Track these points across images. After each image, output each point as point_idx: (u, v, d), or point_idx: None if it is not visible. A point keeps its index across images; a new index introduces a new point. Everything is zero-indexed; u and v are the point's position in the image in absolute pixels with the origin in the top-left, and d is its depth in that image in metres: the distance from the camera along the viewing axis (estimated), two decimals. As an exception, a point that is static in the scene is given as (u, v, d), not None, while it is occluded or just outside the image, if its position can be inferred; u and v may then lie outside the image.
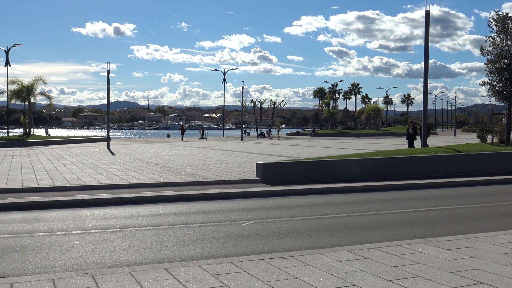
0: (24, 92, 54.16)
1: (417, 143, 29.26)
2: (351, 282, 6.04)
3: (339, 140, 57.49)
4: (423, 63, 24.94)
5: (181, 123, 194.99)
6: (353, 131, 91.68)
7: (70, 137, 62.25)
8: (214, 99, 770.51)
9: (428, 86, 25.19)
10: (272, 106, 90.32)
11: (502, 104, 29.65)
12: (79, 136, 68.36)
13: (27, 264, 7.34)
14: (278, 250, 8.16)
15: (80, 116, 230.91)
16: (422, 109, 27.01)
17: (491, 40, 27.49)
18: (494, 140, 28.16)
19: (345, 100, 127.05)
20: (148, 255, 7.92)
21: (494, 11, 28.27)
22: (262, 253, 7.86)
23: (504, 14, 27.34)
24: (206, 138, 60.82)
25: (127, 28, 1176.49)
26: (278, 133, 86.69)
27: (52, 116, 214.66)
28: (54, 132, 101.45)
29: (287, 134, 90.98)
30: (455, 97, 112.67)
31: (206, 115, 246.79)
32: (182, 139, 57.99)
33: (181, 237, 9.15)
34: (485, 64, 28.07)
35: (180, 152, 31.86)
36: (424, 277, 6.24)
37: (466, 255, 7.25)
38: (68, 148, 37.49)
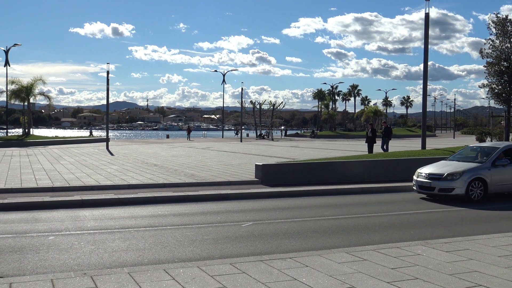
0: (24, 92, 54.14)
1: (377, 146, 27.53)
2: (349, 283, 6.05)
3: (338, 141, 57.52)
4: (422, 65, 24.97)
5: (180, 123, 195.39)
6: (352, 133, 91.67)
7: (69, 137, 62.22)
8: (213, 100, 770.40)
9: (427, 88, 25.16)
10: (271, 107, 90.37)
11: (501, 107, 29.74)
12: (78, 137, 68.36)
13: (26, 264, 7.34)
14: (277, 251, 8.17)
15: (79, 117, 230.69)
16: (421, 111, 27.01)
17: (491, 42, 27.57)
18: (493, 143, 28.21)
19: (344, 102, 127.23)
20: (147, 256, 7.92)
21: (494, 13, 28.31)
22: (261, 254, 7.87)
23: (504, 16, 27.41)
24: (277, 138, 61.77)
25: (125, 29, 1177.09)
26: (286, 133, 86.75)
27: (51, 117, 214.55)
28: (54, 132, 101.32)
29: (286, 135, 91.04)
30: (454, 99, 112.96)
31: (205, 116, 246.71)
32: (188, 139, 59.77)
33: (180, 238, 9.16)
34: (485, 66, 28.13)
35: (179, 153, 31.86)
36: (422, 279, 6.25)
37: (464, 257, 7.26)
38: (67, 149, 37.48)
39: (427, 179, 14.06)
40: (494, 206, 13.08)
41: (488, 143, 15.87)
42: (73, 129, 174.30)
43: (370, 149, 26.21)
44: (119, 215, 11.57)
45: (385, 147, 26.46)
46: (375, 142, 26.97)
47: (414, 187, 14.72)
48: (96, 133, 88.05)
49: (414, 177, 14.69)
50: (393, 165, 19.12)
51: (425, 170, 14.45)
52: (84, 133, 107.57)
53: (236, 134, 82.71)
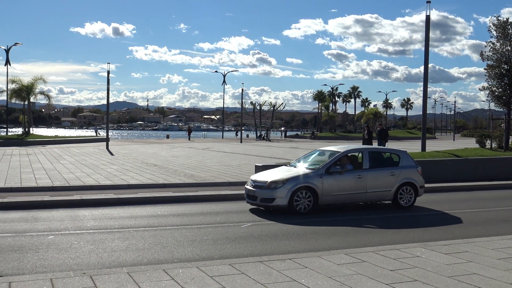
0: (24, 91, 54.09)
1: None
2: (349, 285, 6.05)
3: (338, 143, 57.49)
4: (422, 67, 24.98)
5: (180, 124, 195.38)
6: (352, 135, 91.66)
7: (69, 137, 62.18)
8: (213, 101, 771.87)
9: (428, 90, 25.17)
10: (271, 108, 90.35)
11: (501, 109, 29.71)
12: (78, 136, 68.33)
13: (25, 264, 7.34)
14: (276, 252, 8.17)
15: (79, 116, 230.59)
16: (421, 113, 27.02)
17: (491, 45, 27.52)
18: (493, 145, 28.20)
19: (344, 103, 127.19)
20: (147, 256, 7.93)
21: (494, 16, 28.29)
22: (260, 255, 7.88)
23: (505, 19, 27.39)
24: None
25: (126, 29, 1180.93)
26: (286, 135, 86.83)
27: (52, 116, 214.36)
28: (54, 132, 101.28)
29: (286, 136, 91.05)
30: (454, 101, 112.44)
31: (205, 116, 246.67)
32: (188, 139, 60.15)
33: (179, 238, 9.16)
34: (485, 69, 28.10)
35: (179, 153, 31.86)
36: (421, 281, 6.25)
37: (464, 260, 7.27)
38: (67, 148, 37.47)
39: (252, 187, 12.18)
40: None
41: (333, 147, 13.69)
42: (72, 128, 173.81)
43: None
44: (118, 215, 11.58)
45: None
46: (372, 145, 26.70)
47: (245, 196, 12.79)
48: (93, 133, 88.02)
49: (246, 185, 12.84)
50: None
51: (255, 176, 12.71)
52: (89, 132, 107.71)
53: (237, 135, 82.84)
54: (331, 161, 12.32)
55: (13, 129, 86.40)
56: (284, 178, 11.88)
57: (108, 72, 41.07)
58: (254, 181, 12.33)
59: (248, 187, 12.46)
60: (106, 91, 40.92)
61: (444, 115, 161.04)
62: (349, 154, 12.87)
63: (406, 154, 13.72)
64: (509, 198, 15.70)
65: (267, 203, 11.86)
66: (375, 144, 27.51)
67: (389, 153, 13.76)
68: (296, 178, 11.89)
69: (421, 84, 25.24)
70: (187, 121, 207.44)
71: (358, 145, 14.54)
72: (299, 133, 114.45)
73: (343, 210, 12.57)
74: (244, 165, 22.85)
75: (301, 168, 12.60)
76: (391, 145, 28.39)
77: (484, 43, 28.57)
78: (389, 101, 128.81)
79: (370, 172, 12.59)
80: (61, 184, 15.67)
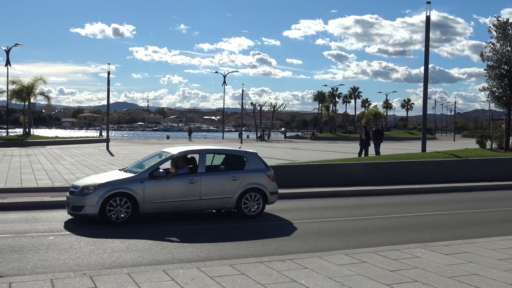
0: (24, 92, 54.15)
1: (371, 150, 25.96)
2: (349, 286, 6.06)
3: (339, 143, 57.46)
4: (422, 67, 25.00)
5: (180, 124, 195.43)
6: (353, 135, 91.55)
7: (69, 137, 62.17)
8: (213, 101, 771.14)
9: (428, 91, 25.16)
10: (272, 109, 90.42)
11: (501, 110, 29.72)
12: (79, 137, 68.35)
13: (26, 264, 7.35)
14: (277, 253, 8.18)
15: (79, 117, 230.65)
16: (421, 113, 27.01)
17: (491, 46, 27.53)
18: (493, 146, 28.22)
19: (344, 104, 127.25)
20: (147, 257, 7.93)
21: (495, 16, 28.30)
22: (260, 255, 7.88)
23: (505, 20, 27.41)
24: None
25: (126, 29, 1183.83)
26: (286, 135, 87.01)
27: (52, 117, 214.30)
28: (54, 132, 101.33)
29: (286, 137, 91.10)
30: (455, 102, 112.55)
31: (205, 117, 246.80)
32: (189, 140, 60.50)
33: (179, 239, 9.16)
34: (485, 70, 28.12)
35: (180, 154, 31.81)
36: (422, 281, 6.25)
37: (464, 260, 7.27)
38: (68, 149, 37.47)
39: (69, 193, 10.85)
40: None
41: (172, 148, 11.95)
42: (72, 129, 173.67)
43: (366, 152, 25.59)
44: (119, 215, 11.55)
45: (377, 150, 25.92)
46: (370, 145, 26.46)
47: None
48: (97, 133, 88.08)
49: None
50: (393, 167, 19.14)
51: (78, 181, 11.49)
52: (89, 133, 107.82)
53: (240, 136, 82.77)
54: (156, 164, 10.90)
55: (14, 130, 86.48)
56: (97, 183, 10.45)
57: (109, 73, 41.11)
58: (72, 186, 11.09)
59: (67, 193, 11.05)
60: (106, 92, 40.99)
61: (444, 116, 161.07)
62: (188, 156, 11.50)
63: (255, 156, 11.86)
64: (509, 199, 15.69)
65: (77, 212, 10.39)
66: (371, 144, 27.34)
67: (233, 155, 12.07)
68: (111, 184, 10.39)
69: (421, 84, 25.27)
70: (187, 122, 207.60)
71: (199, 146, 13.00)
72: (299, 133, 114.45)
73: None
74: (244, 166, 22.80)
75: (126, 172, 11.15)
76: (391, 145, 28.38)
77: (484, 43, 28.68)
78: (389, 102, 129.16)
79: (205, 176, 11.00)
80: (61, 184, 15.65)
